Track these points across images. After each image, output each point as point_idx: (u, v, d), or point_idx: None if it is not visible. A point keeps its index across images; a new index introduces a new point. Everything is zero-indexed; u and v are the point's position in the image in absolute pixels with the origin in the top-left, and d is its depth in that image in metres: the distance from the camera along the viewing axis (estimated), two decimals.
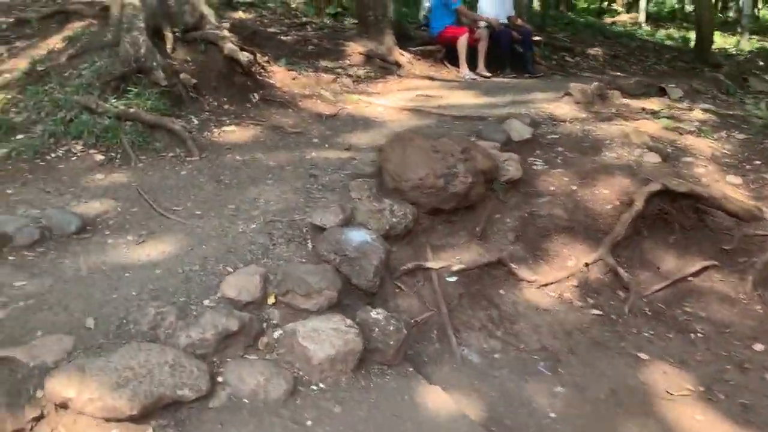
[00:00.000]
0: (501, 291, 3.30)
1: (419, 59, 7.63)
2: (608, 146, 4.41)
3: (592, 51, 10.72)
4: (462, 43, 7.38)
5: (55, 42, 5.98)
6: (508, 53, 7.99)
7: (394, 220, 3.28)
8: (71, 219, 3.27)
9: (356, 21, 9.29)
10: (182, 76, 5.09)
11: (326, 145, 4.64)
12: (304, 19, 8.78)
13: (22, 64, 5.65)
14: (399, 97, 6.04)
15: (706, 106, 5.78)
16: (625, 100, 5.54)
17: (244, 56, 5.37)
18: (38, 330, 2.39)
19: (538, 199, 3.86)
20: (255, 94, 5.49)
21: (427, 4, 8.40)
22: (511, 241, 3.58)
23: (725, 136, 4.95)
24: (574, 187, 3.98)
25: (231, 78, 5.46)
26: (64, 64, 4.87)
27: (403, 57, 7.40)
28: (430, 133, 4.33)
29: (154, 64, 4.87)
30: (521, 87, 6.56)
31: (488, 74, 7.54)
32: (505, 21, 8.15)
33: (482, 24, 7.71)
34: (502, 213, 3.74)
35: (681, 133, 4.77)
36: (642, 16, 18.47)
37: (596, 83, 5.43)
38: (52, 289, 2.73)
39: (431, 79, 7.13)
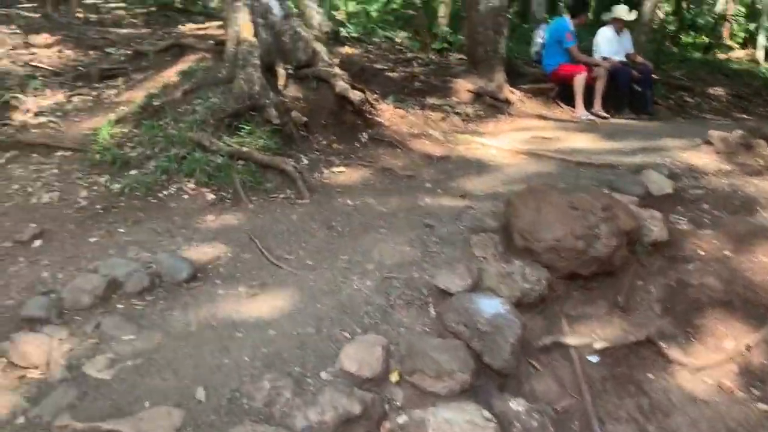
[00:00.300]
0: (650, 375, 2.84)
1: (530, 97, 7.25)
2: (764, 206, 3.87)
3: (712, 90, 9.98)
4: (579, 81, 6.95)
5: (170, 75, 6.07)
6: (626, 92, 7.48)
7: (526, 285, 2.92)
8: (182, 266, 3.12)
9: (463, 56, 9.07)
10: (293, 114, 4.98)
11: (439, 191, 4.35)
12: (409, 55, 8.63)
13: (138, 96, 5.75)
14: (512, 138, 5.69)
15: None
16: None
17: (356, 95, 5.21)
18: (146, 399, 2.20)
19: (686, 266, 3.39)
20: (364, 134, 5.31)
21: (539, 40, 8.02)
22: (658, 315, 3.13)
23: None
24: (728, 253, 3.47)
25: (341, 116, 5.32)
26: (179, 100, 4.86)
27: (514, 95, 7.06)
28: (559, 185, 3.96)
29: (267, 101, 4.78)
30: (646, 131, 6.05)
31: (606, 115, 7.06)
32: (623, 59, 7.67)
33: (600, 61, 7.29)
34: (646, 280, 3.30)
35: None
36: (761, 53, 17.26)
37: (739, 131, 4.86)
38: (161, 346, 2.55)
39: (544, 118, 6.74)
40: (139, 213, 3.82)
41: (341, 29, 9.31)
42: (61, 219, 3.72)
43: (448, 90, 6.96)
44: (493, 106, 6.76)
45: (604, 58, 7.50)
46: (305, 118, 5.04)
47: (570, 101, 7.25)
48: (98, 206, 3.85)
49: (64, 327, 2.68)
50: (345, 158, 4.89)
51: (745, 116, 8.80)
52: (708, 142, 4.80)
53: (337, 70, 5.52)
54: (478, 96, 6.85)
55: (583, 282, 3.14)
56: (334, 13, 11.29)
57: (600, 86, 7.12)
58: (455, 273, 2.91)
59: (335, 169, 4.62)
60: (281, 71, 5.43)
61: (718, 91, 10.04)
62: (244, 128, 4.58)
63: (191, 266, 3.14)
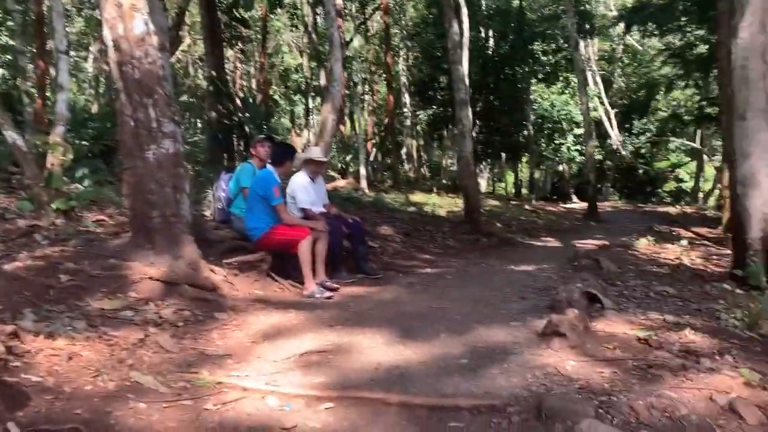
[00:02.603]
0: None
1: (236, 275, 5.17)
2: None
3: (383, 231, 9.46)
4: (305, 248, 5.20)
5: None
6: (340, 252, 6.06)
7: None
8: None
9: (104, 218, 6.48)
10: None
11: None
12: (21, 223, 5.62)
13: None
14: (273, 361, 3.50)
15: None
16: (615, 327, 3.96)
17: None
18: None
19: None
20: None
21: (222, 194, 6.08)
22: None
23: None
24: None
25: None
26: None
27: (217, 275, 4.89)
28: None
29: None
30: (423, 303, 4.59)
31: (336, 285, 5.45)
32: (323, 210, 6.28)
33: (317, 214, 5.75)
34: None
35: None
36: (364, 182, 18.47)
37: (575, 311, 3.76)
38: None
39: (273, 305, 4.73)
40: None
41: None
42: None
43: (118, 281, 4.39)
44: (198, 299, 4.46)
45: (305, 212, 6.00)
46: None
47: (287, 274, 5.46)
48: None
49: None
50: None
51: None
52: (557, 333, 3.54)
53: None
54: (169, 285, 4.48)
55: None
56: None
57: (321, 250, 5.52)
58: None
59: None
60: None
61: (387, 230, 9.59)
62: None
63: None
